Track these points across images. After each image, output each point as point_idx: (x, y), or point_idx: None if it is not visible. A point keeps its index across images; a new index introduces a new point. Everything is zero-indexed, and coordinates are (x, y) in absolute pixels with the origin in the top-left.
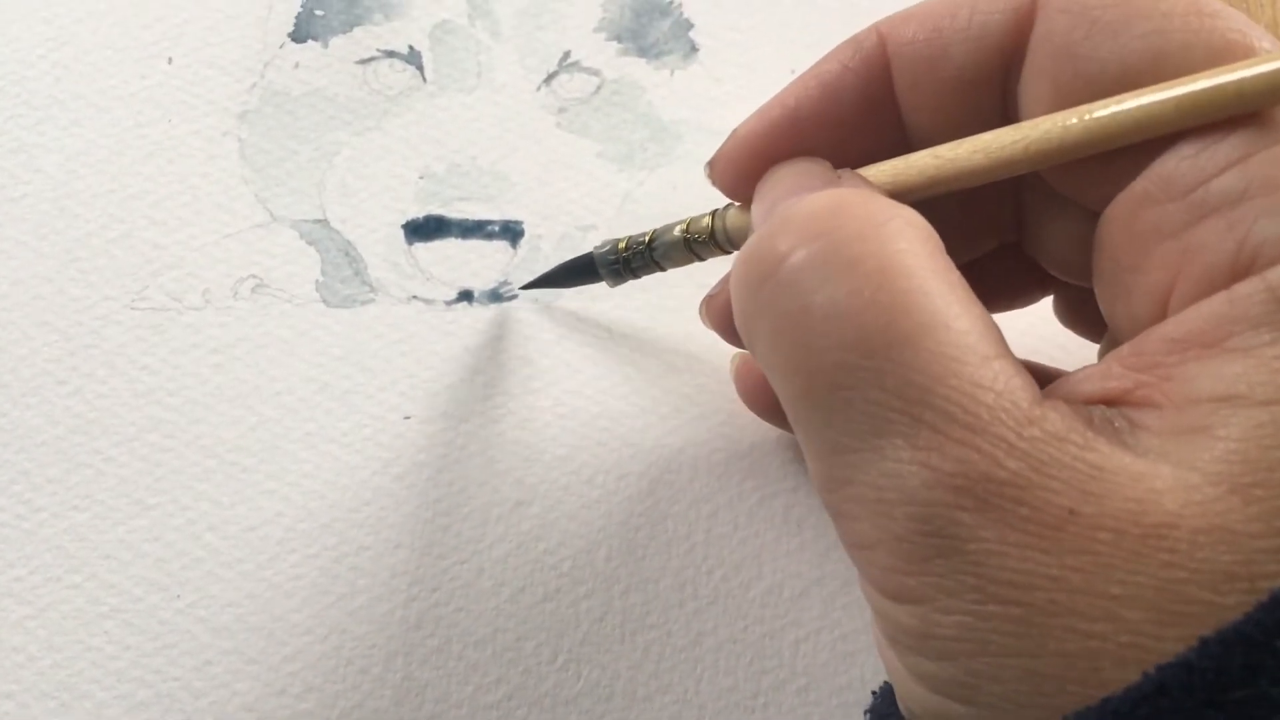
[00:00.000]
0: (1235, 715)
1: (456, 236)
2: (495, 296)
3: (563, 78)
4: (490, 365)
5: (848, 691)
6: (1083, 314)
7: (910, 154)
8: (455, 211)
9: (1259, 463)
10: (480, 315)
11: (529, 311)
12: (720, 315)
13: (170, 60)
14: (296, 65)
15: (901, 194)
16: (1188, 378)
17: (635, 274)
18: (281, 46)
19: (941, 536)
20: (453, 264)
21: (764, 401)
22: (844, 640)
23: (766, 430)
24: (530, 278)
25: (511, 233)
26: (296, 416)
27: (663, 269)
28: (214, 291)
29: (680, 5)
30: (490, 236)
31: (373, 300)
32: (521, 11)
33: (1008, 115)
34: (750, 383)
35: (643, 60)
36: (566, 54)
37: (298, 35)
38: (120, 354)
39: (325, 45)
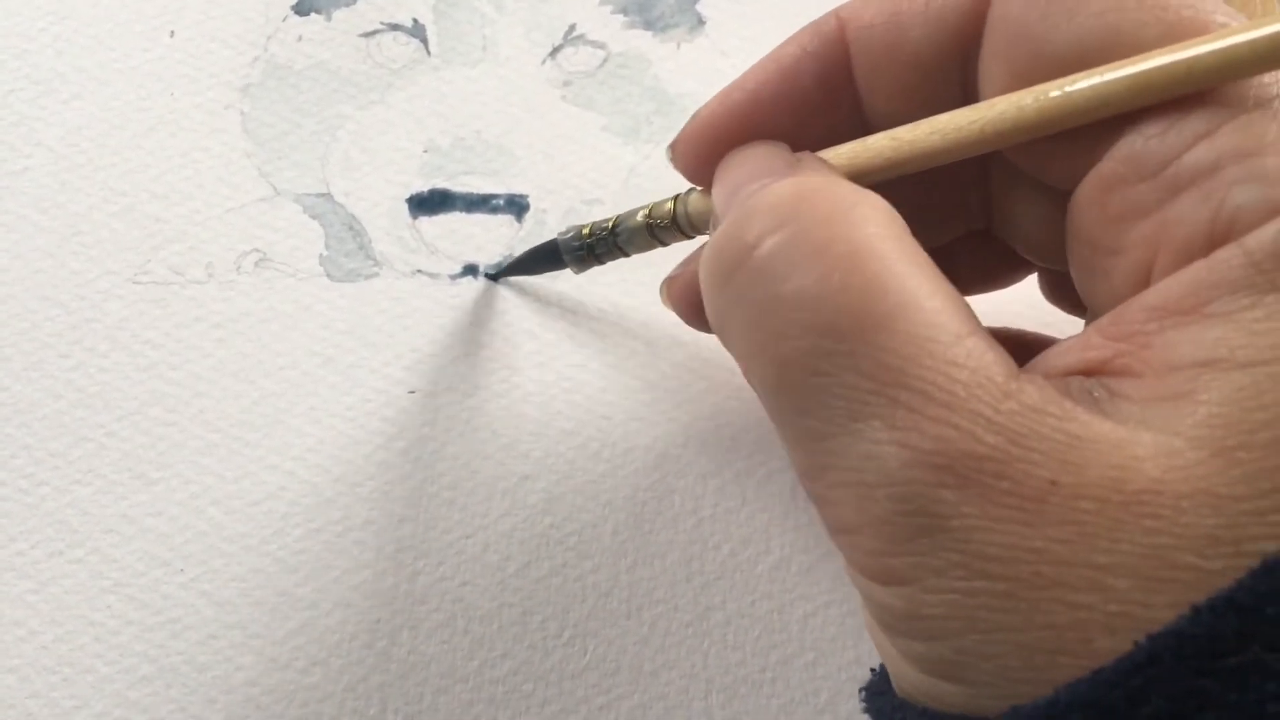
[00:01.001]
0: (1228, 683)
1: (461, 210)
2: (500, 270)
3: (568, 51)
4: (495, 339)
5: (856, 666)
6: (1068, 291)
7: (868, 136)
8: (460, 185)
9: (1241, 425)
10: (485, 289)
11: (535, 285)
12: (681, 296)
13: (172, 33)
14: (299, 38)
15: (859, 176)
16: (1167, 345)
17: (600, 260)
18: (284, 19)
19: (924, 515)
20: (457, 238)
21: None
22: (853, 615)
23: None
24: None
25: (516, 206)
26: (300, 391)
27: (627, 254)
28: (217, 266)
29: None
30: (495, 210)
31: (377, 274)
32: None
33: (967, 97)
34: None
35: (649, 33)
36: (572, 27)
37: (301, 8)
38: (122, 328)
39: (328, 18)
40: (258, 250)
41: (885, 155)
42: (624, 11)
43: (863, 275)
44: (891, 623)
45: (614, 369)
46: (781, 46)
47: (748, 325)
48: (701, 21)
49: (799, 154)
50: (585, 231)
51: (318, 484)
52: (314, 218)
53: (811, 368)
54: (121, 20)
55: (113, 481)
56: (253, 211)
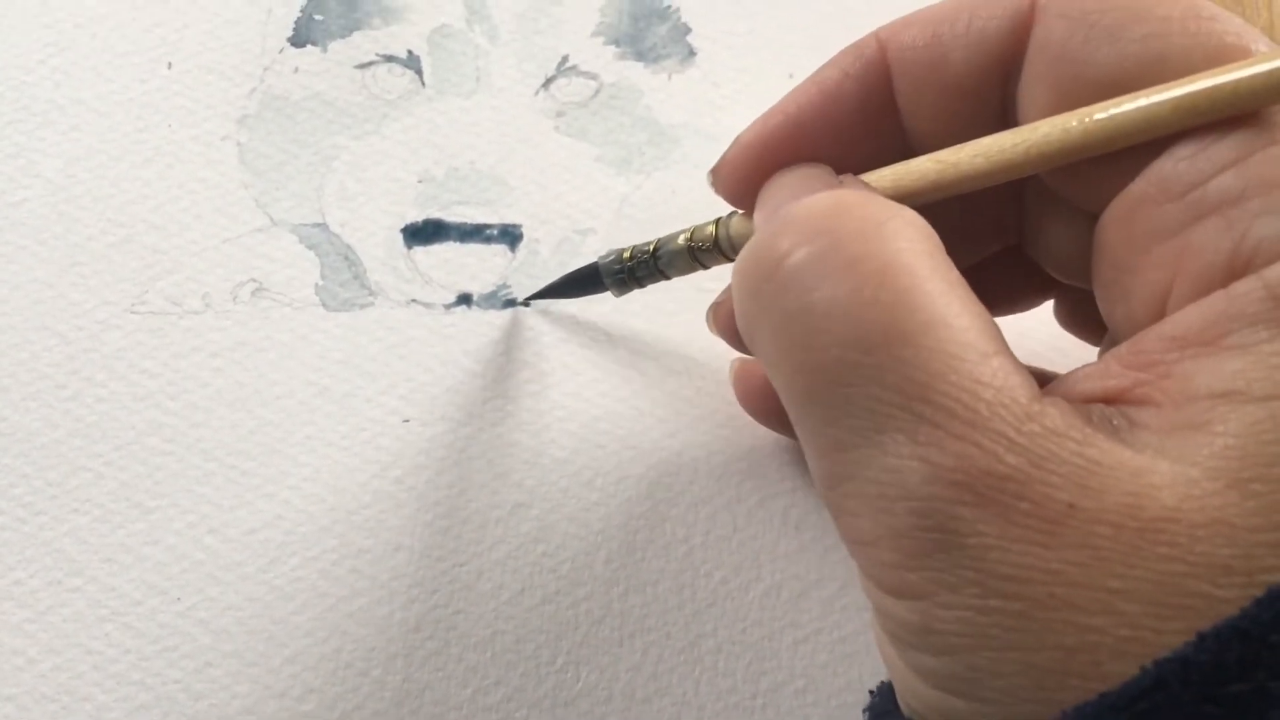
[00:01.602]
0: (1233, 710)
1: (455, 240)
2: (494, 300)
3: (561, 82)
4: (489, 368)
5: (846, 693)
6: (1082, 317)
7: (911, 159)
8: (454, 215)
9: (1257, 458)
10: (479, 319)
11: (528, 315)
12: (726, 322)
13: (170, 65)
14: (296, 70)
15: (903, 198)
16: (1186, 375)
17: (640, 283)
18: (280, 51)
19: (942, 531)
20: (451, 267)
21: (762, 405)
22: (843, 642)
23: (765, 432)
24: (529, 281)
25: (510, 236)
26: (296, 420)
27: (668, 277)
28: (214, 295)
29: (678, 9)
30: (489, 240)
31: (372, 304)
32: (519, 16)
33: (1008, 119)
34: (749, 386)
35: (640, 64)
36: (564, 58)
37: (297, 40)
38: (120, 358)
39: (324, 50)
40: (254, 280)
41: (929, 178)
42: (616, 43)
43: (893, 290)
44: (903, 636)
45: (607, 398)
46: (822, 69)
47: (777, 333)
48: (693, 53)
49: (841, 176)
50: (626, 255)
51: (313, 513)
52: (310, 248)
53: (838, 379)
54: (120, 52)
55: (110, 510)
56: (249, 242)
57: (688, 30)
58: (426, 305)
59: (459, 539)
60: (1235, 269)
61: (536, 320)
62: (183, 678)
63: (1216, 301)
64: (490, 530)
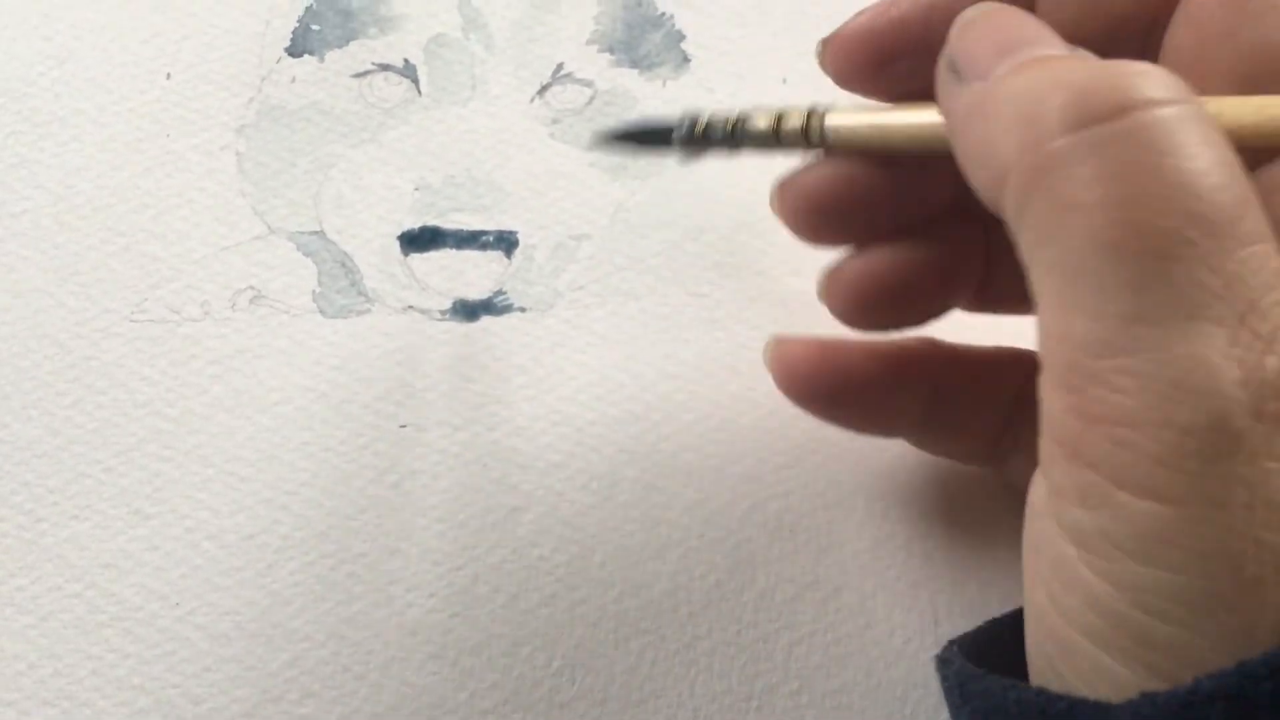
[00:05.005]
0: None
1: (452, 247)
2: (490, 306)
3: (556, 89)
4: (485, 374)
5: (840, 694)
6: None
7: (1251, 97)
8: (450, 222)
9: None
10: (475, 324)
11: (522, 320)
12: (795, 203)
13: (169, 75)
14: (293, 79)
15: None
16: None
17: (712, 147)
18: (278, 61)
19: (1231, 441)
20: (448, 274)
21: (806, 388)
22: (837, 644)
23: (759, 436)
24: (525, 287)
25: (506, 242)
26: (294, 426)
27: (737, 150)
28: (212, 303)
29: (672, 17)
30: (485, 247)
31: (369, 310)
32: (515, 24)
33: (1147, 51)
34: (790, 368)
35: (635, 71)
36: (559, 66)
37: (294, 50)
38: (120, 365)
39: (321, 59)
40: (252, 288)
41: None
42: (610, 50)
43: (1246, 183)
44: (1125, 543)
45: (601, 402)
46: None
47: (1108, 176)
48: (686, 60)
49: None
50: (699, 128)
51: (311, 518)
52: (307, 255)
53: (1166, 251)
54: (119, 63)
55: (110, 517)
56: (247, 249)
57: (681, 38)
58: (423, 312)
59: (455, 543)
60: None
61: (531, 325)
62: (182, 682)
63: None
64: (486, 535)
